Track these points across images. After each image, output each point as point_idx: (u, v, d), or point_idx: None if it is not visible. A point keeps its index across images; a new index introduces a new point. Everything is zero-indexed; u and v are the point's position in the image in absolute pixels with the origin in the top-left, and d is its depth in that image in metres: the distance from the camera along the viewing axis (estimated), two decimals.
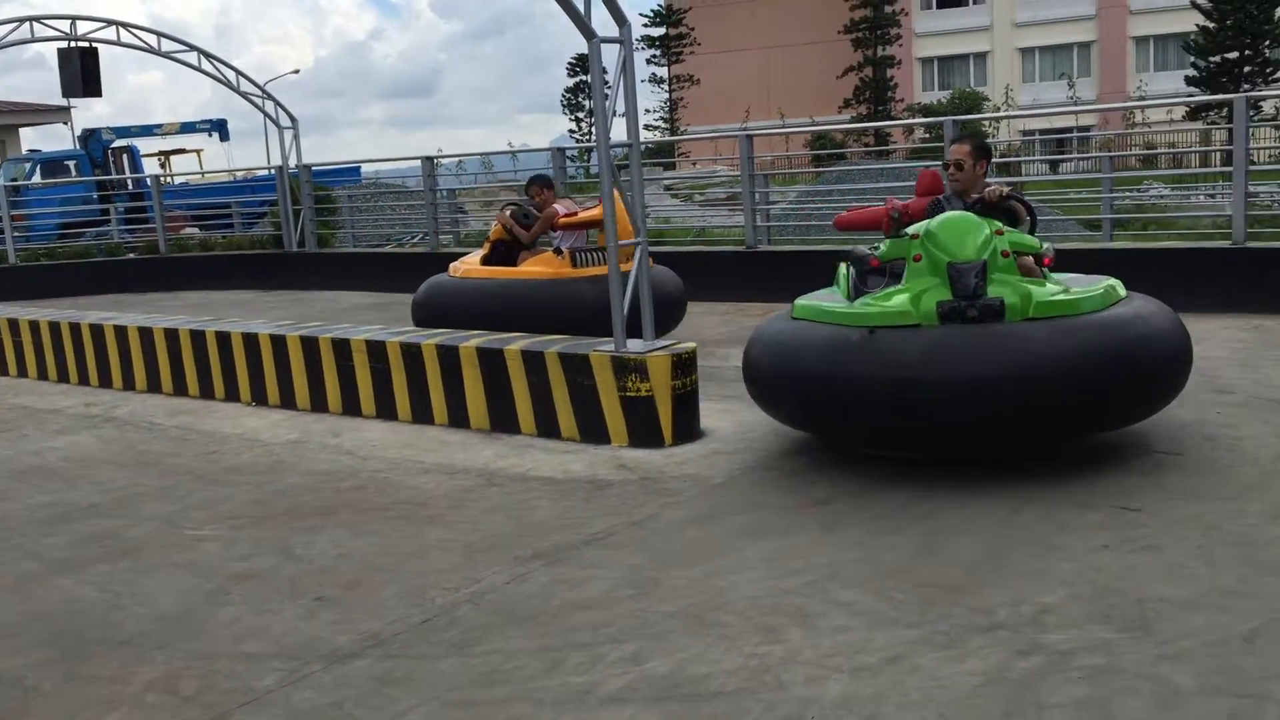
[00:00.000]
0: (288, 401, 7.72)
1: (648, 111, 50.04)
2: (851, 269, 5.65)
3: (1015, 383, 4.74)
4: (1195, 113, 36.13)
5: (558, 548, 4.59)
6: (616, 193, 6.47)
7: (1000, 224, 5.19)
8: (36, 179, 24.14)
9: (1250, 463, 5.12)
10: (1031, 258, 5.31)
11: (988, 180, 5.79)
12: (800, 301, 5.67)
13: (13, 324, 9.96)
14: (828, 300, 5.62)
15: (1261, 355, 7.44)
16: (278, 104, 16.31)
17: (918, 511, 4.71)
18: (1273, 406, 6.09)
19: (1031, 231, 5.51)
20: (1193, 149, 25.05)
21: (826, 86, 45.38)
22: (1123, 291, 5.42)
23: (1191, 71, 38.46)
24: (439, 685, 3.44)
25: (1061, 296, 5.04)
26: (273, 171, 16.80)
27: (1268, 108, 34.91)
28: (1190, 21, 37.44)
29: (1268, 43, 36.61)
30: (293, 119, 16.29)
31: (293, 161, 16.08)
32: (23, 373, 9.86)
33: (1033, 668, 3.27)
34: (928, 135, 26.63)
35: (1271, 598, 3.65)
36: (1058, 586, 3.85)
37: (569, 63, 48.94)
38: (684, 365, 6.11)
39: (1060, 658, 3.32)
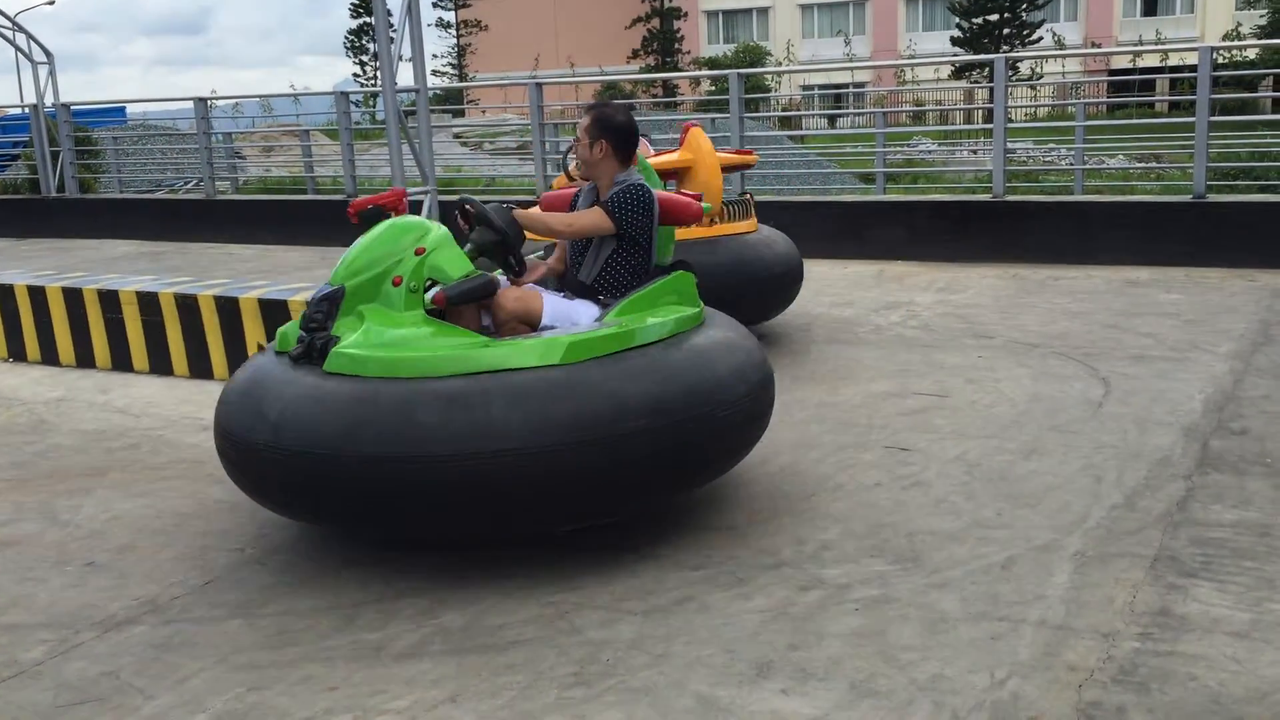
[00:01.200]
0: (49, 357, 7.24)
1: (435, 57, 49.02)
2: None
3: None
4: (960, 72, 38.11)
5: None
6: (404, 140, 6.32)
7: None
8: None
9: (1007, 403, 5.49)
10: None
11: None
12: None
13: None
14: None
15: (1018, 302, 7.97)
16: (30, 37, 15.09)
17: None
18: (1027, 350, 6.54)
19: (510, 250, 4.13)
20: (957, 106, 26.42)
21: (615, 36, 45.54)
22: None
23: (956, 32, 40.49)
24: (224, 648, 3.32)
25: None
26: (26, 111, 15.55)
27: (1024, 68, 37.18)
28: None
29: (1025, 6, 38.92)
30: (48, 53, 15.13)
31: (49, 100, 14.95)
32: None
33: (814, 601, 3.44)
34: (714, 88, 27.11)
35: (1025, 529, 3.94)
36: (834, 524, 4.04)
37: (352, 4, 47.27)
38: None
39: (839, 590, 3.50)
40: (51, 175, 14.85)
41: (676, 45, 45.80)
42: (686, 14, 46.71)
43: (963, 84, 34.61)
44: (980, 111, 16.30)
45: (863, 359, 6.46)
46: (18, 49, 15.19)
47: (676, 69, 43.80)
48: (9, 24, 15.12)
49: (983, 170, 13.60)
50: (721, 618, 3.36)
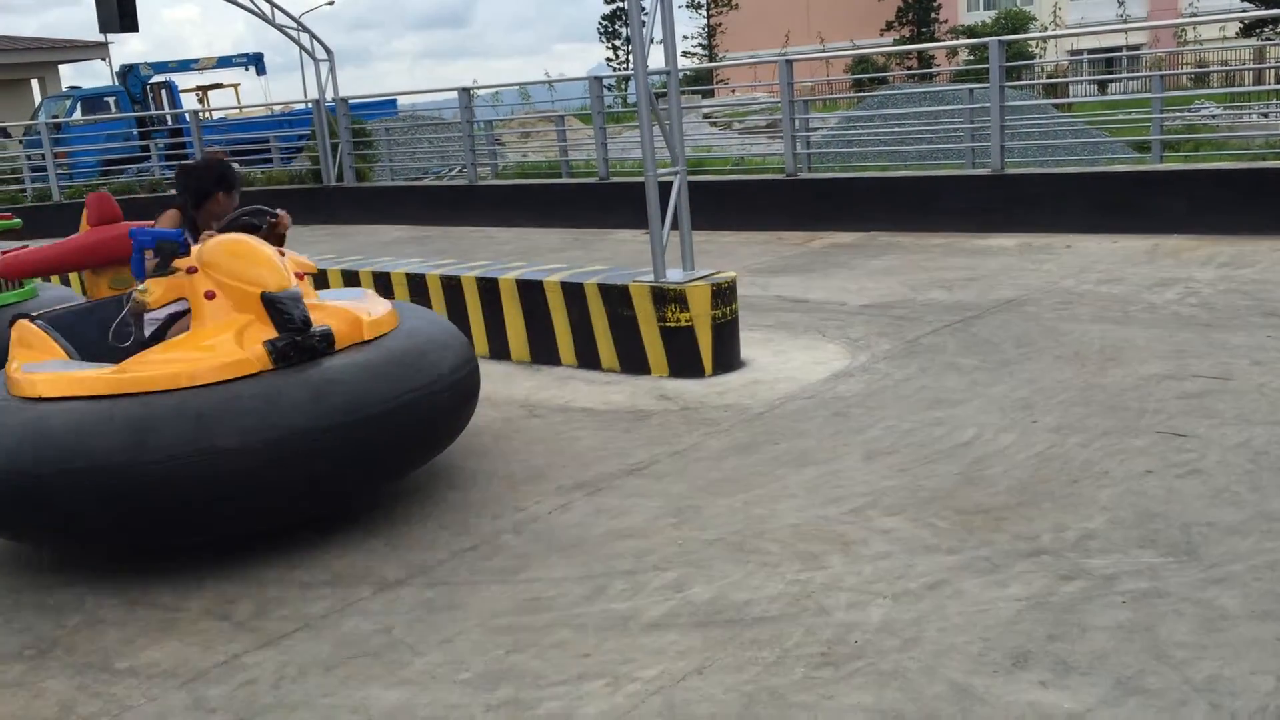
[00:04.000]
0: None
1: (685, 38, 49.43)
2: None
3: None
4: (1250, 29, 35.11)
5: (600, 477, 4.61)
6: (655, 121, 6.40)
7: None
8: (77, 116, 24.25)
9: None
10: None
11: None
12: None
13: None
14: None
15: None
16: (313, 36, 16.22)
17: (959, 439, 4.69)
18: None
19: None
20: (1246, 66, 24.35)
21: (867, 9, 44.52)
22: None
23: None
24: (484, 611, 3.49)
25: None
26: (310, 105, 16.73)
27: None
28: None
29: None
30: (328, 51, 16.21)
31: (329, 95, 16.03)
32: None
33: (1076, 592, 3.27)
34: (972, 58, 26.10)
35: None
36: (1099, 512, 3.82)
37: None
38: (724, 295, 6.07)
39: (1104, 582, 3.31)
40: (332, 165, 15.92)
41: (933, 15, 44.31)
42: None
43: (1253, 42, 31.88)
44: (1273, 71, 14.97)
45: (1134, 339, 6.07)
46: (302, 48, 16.35)
47: (933, 39, 42.40)
48: (294, 24, 16.30)
49: (1275, 135, 12.48)
50: (976, 605, 3.24)
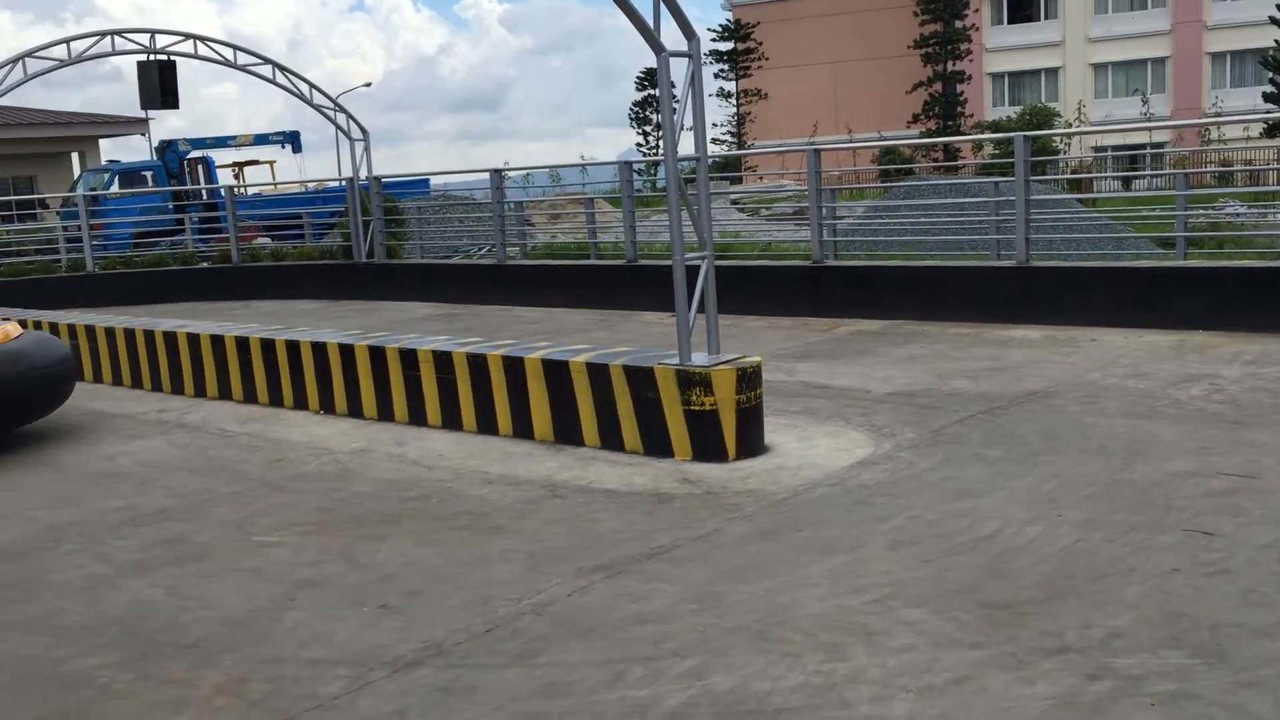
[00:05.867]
0: (354, 410, 7.82)
1: (715, 125, 50.14)
2: None
3: None
4: (1274, 129, 35.34)
5: (620, 560, 4.58)
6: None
7: None
8: (115, 189, 24.72)
9: None
10: None
11: None
12: None
13: (89, 330, 10.21)
14: None
15: None
16: (349, 116, 16.55)
17: (983, 531, 4.64)
18: None
19: None
20: (1270, 166, 24.47)
21: (895, 101, 45.13)
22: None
23: (1269, 88, 37.65)
24: (502, 695, 3.45)
25: None
26: (343, 183, 17.03)
27: None
28: (1268, 37, 36.67)
29: None
30: (364, 131, 16.53)
31: (363, 173, 16.31)
32: (98, 378, 10.09)
33: (1104, 691, 3.20)
34: (998, 151, 26.37)
35: None
36: (1126, 610, 3.76)
37: (638, 77, 49.23)
38: (749, 379, 6.08)
39: (1132, 682, 3.25)
40: (363, 242, 16.14)
41: (959, 109, 44.88)
42: (970, 77, 45.75)
43: (1277, 142, 32.08)
44: None
45: (1160, 434, 6.03)
46: (338, 127, 16.68)
47: (958, 133, 42.86)
48: (331, 105, 16.65)
49: None
50: (1002, 702, 3.18)
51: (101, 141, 34.38)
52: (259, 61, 16.10)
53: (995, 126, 40.14)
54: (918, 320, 10.30)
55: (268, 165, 31.20)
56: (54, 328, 10.64)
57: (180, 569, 4.85)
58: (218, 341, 8.82)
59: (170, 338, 9.25)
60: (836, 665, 3.48)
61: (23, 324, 8.83)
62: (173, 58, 16.16)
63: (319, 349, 8.04)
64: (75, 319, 10.78)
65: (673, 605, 4.06)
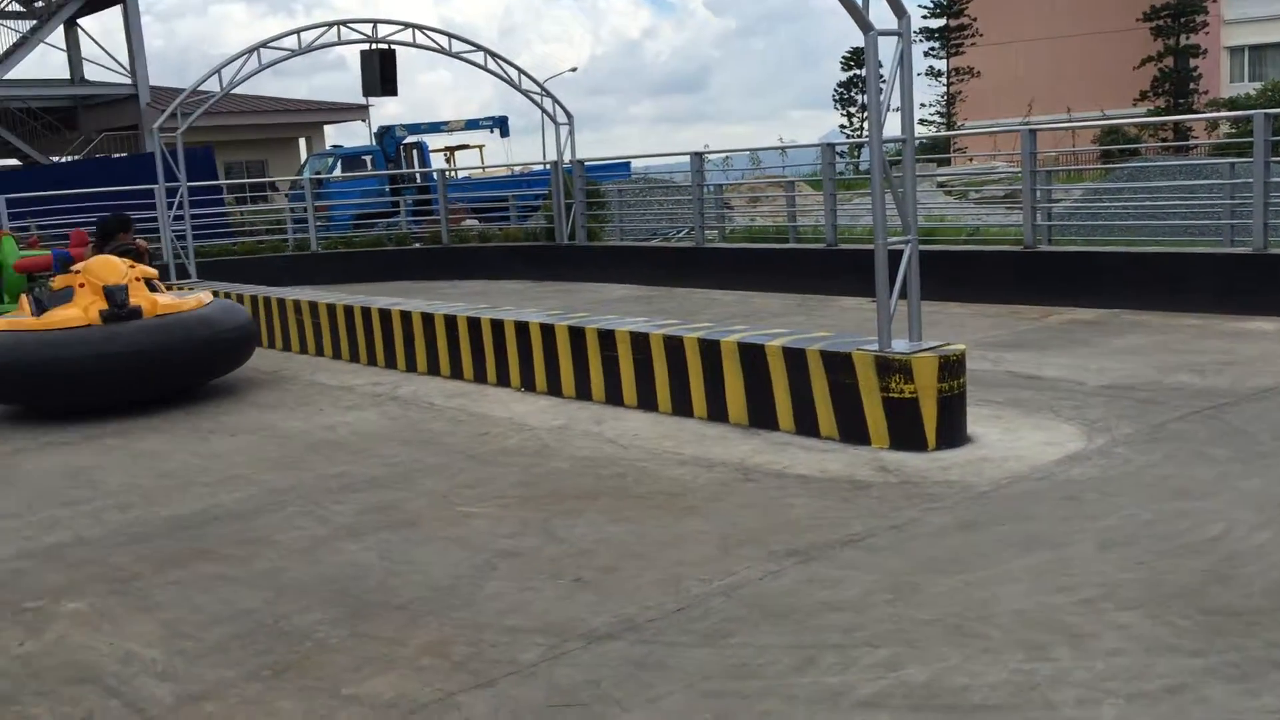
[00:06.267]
0: (554, 388, 8.00)
1: (923, 106, 48.68)
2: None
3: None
4: None
5: (813, 546, 4.53)
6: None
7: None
8: (337, 173, 26.03)
9: None
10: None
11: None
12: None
13: (313, 306, 10.80)
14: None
15: None
16: (555, 101, 16.90)
17: (1206, 534, 4.36)
18: None
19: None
20: None
21: (1119, 78, 42.76)
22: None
23: None
24: (692, 674, 3.46)
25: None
26: (548, 166, 17.42)
27: None
28: None
29: None
30: (569, 115, 16.84)
31: (567, 157, 16.63)
32: (320, 351, 10.67)
33: None
34: (1234, 130, 24.69)
35: None
36: None
37: (843, 57, 48.34)
38: (952, 368, 5.90)
39: None
40: (565, 224, 16.48)
41: (1192, 85, 42.15)
42: (1206, 51, 42.84)
43: None
44: None
45: None
46: (544, 112, 17.06)
47: (1190, 111, 40.31)
48: (539, 90, 17.03)
49: None
50: (1224, 713, 2.99)
51: (325, 127, 36.27)
52: (472, 49, 16.61)
53: (1232, 104, 37.52)
54: (1138, 310, 9.76)
55: (477, 149, 32.19)
56: (281, 304, 11.32)
57: (391, 534, 5.07)
58: (428, 319, 9.18)
59: (385, 315, 9.69)
60: (1039, 665, 3.34)
61: (215, 294, 10.13)
62: (393, 47, 16.88)
63: (521, 328, 8.26)
64: (300, 294, 11.43)
65: (866, 594, 3.99)
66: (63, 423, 8.13)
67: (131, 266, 8.79)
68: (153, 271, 9.19)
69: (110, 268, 8.59)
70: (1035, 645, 3.47)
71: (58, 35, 30.32)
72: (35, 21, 29.03)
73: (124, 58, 30.18)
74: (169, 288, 10.50)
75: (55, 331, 8.18)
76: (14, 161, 29.47)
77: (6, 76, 28.39)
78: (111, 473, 6.64)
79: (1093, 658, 3.36)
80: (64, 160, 29.44)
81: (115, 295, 8.29)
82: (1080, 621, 3.62)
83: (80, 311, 8.28)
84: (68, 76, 31.41)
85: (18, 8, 29.77)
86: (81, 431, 7.84)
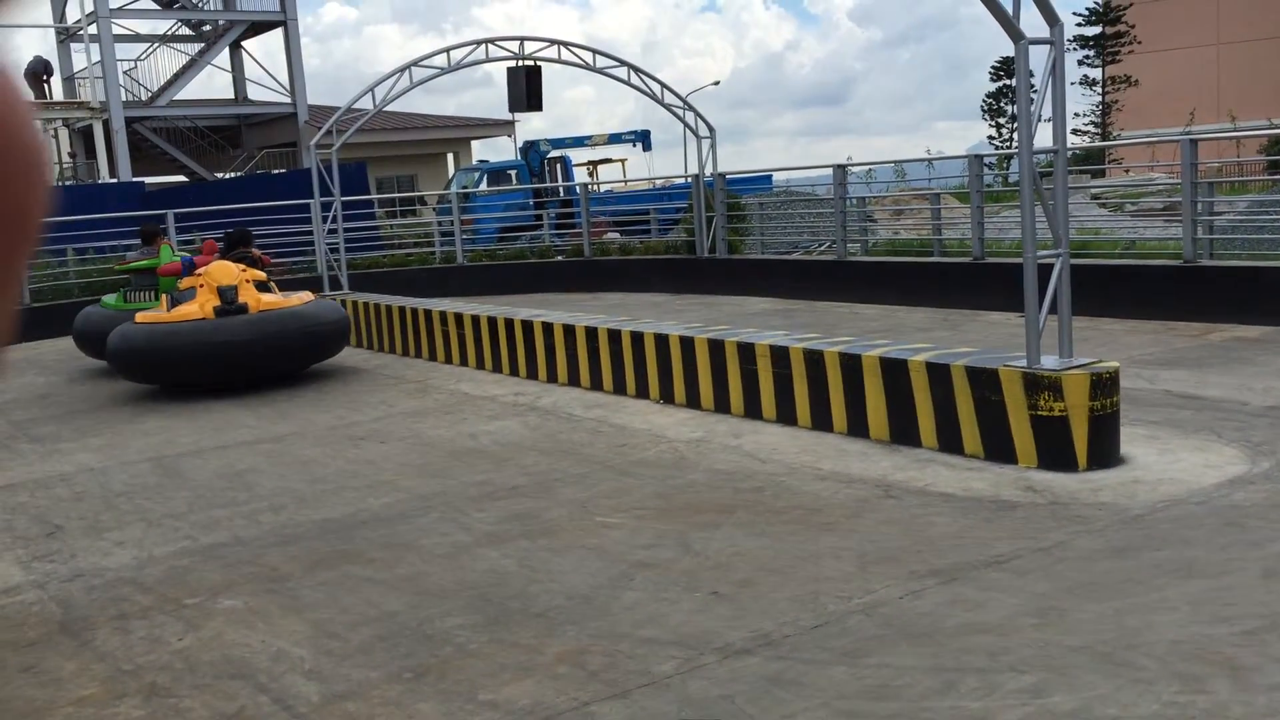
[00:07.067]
0: (693, 401, 8.01)
1: (1076, 115, 47.13)
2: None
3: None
4: None
5: (956, 567, 4.42)
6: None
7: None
8: (483, 187, 26.62)
9: None
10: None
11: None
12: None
13: (458, 317, 11.06)
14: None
15: None
16: (698, 114, 16.94)
17: None
18: None
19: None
20: None
21: None
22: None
23: None
24: (828, 692, 3.42)
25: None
26: (689, 180, 17.47)
27: None
28: None
29: None
30: (710, 129, 16.87)
31: (708, 170, 16.66)
32: (464, 361, 10.92)
33: None
34: None
35: None
36: None
37: (992, 67, 47.24)
38: (1104, 385, 5.70)
39: None
40: (706, 238, 16.50)
41: None
42: None
43: None
44: None
45: None
46: (686, 125, 17.12)
47: None
48: (681, 104, 17.11)
49: None
50: None
51: (473, 143, 37.14)
52: (615, 64, 16.80)
53: None
54: None
55: (620, 164, 32.51)
56: (428, 315, 11.63)
57: (531, 542, 5.15)
58: (569, 331, 9.31)
59: (527, 326, 9.86)
60: (1195, 698, 3.19)
61: (316, 294, 12.00)
62: (538, 63, 17.19)
63: (661, 340, 8.30)
64: (445, 306, 11.72)
65: (1011, 617, 3.87)
66: (222, 429, 8.52)
67: (243, 270, 10.30)
68: (263, 275, 10.76)
69: (225, 271, 10.14)
70: (1191, 677, 3.32)
71: (223, 58, 31.82)
72: (203, 45, 30.54)
73: (284, 78, 31.50)
74: (315, 296, 11.72)
75: (178, 323, 9.88)
76: (181, 178, 31.03)
77: (176, 97, 29.93)
78: (266, 475, 6.92)
79: (1253, 692, 3.20)
80: (227, 176, 30.87)
81: (226, 294, 9.92)
82: (1240, 653, 3.45)
83: (198, 307, 9.93)
84: (232, 96, 32.95)
85: (187, 32, 31.36)
86: (236, 435, 8.20)
